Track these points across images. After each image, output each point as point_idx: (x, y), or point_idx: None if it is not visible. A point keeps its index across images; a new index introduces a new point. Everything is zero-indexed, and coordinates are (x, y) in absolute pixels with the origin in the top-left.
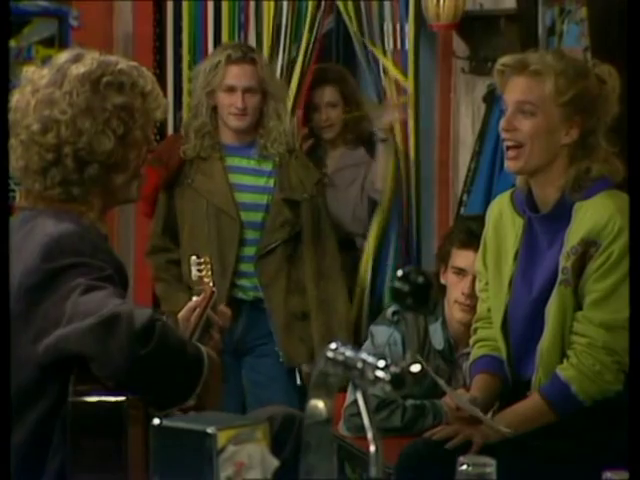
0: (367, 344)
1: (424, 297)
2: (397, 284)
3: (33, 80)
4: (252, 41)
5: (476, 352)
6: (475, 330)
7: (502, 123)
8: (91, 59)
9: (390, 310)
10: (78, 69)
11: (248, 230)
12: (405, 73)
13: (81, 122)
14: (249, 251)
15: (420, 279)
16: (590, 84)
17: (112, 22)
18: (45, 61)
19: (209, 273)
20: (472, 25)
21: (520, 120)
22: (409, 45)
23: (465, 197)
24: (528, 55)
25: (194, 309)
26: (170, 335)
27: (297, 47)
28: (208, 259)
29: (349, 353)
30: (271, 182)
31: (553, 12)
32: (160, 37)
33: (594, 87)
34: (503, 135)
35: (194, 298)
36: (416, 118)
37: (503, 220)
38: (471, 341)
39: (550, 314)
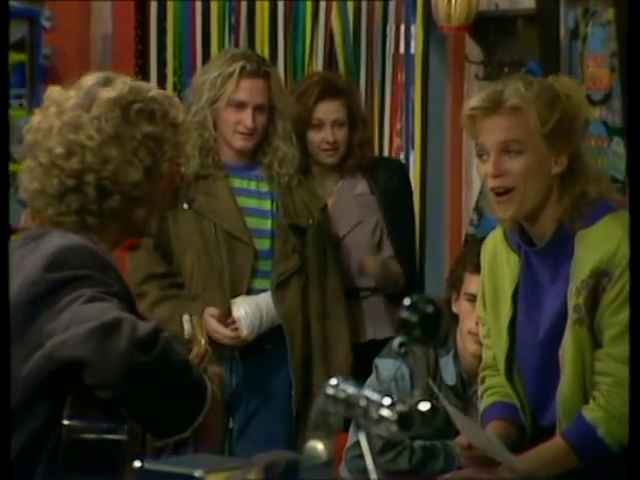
0: (371, 379)
1: (434, 328)
2: (404, 314)
3: (58, 101)
4: (243, 45)
5: (487, 400)
6: (483, 379)
7: (487, 169)
8: (122, 83)
9: (397, 342)
10: (108, 93)
11: (260, 259)
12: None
13: (108, 149)
14: (260, 283)
15: (429, 308)
16: (565, 104)
17: (89, 23)
18: (15, 67)
19: (203, 331)
20: (487, 27)
21: (508, 162)
22: (416, 49)
23: (475, 216)
24: (498, 92)
25: None
26: (175, 350)
27: (293, 52)
28: (200, 319)
29: (351, 390)
30: (274, 206)
31: (576, 13)
32: (142, 40)
33: (569, 106)
34: (491, 183)
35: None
36: (424, 129)
37: (498, 259)
38: (480, 391)
39: (567, 357)
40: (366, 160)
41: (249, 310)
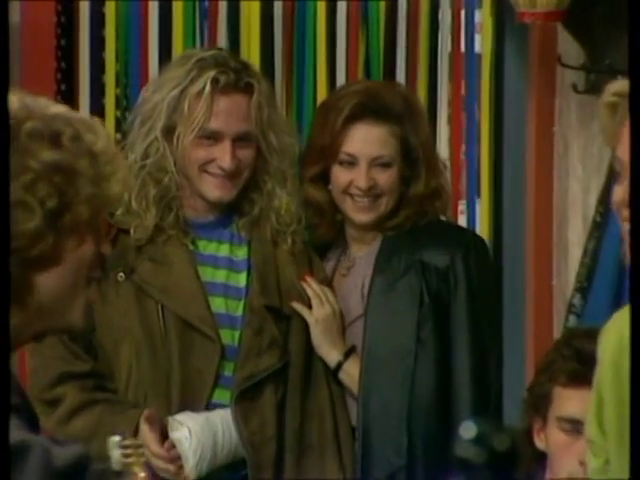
0: None
1: (508, 471)
2: (464, 450)
3: None
4: (221, 40)
5: None
6: None
7: (618, 195)
8: (16, 99)
9: None
10: None
11: (227, 360)
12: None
13: None
14: (227, 396)
15: (502, 442)
16: None
17: None
18: None
19: (140, 459)
20: (591, 15)
21: None
22: (484, 47)
23: (577, 299)
24: None
25: None
26: None
27: (298, 62)
28: (138, 441)
29: None
30: (250, 280)
31: None
32: (67, 31)
33: None
34: (625, 214)
35: None
36: (496, 166)
37: (627, 355)
38: None
39: None
40: (421, 220)
41: (195, 429)
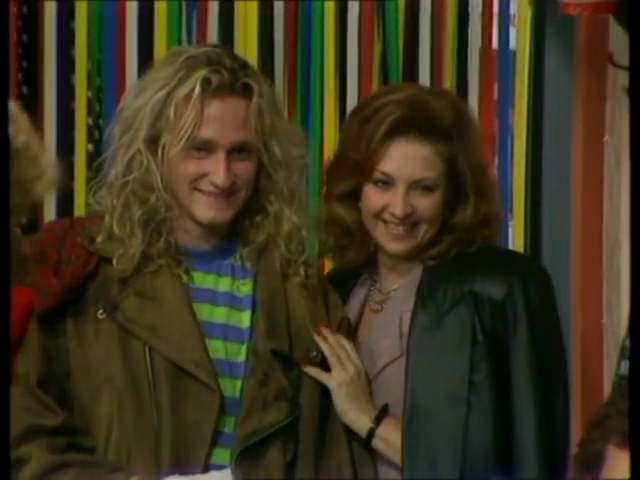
0: None
1: None
2: None
3: None
4: (212, 39)
5: None
6: None
7: None
8: None
9: None
10: None
11: (228, 415)
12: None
13: None
14: (223, 456)
15: None
16: None
17: None
18: None
19: None
20: None
21: None
22: (520, 42)
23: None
24: None
25: None
26: None
27: (307, 56)
28: None
29: None
30: (255, 320)
31: None
32: (30, 26)
33: None
34: None
35: None
36: (534, 181)
37: None
38: None
39: None
40: (468, 247)
41: None
